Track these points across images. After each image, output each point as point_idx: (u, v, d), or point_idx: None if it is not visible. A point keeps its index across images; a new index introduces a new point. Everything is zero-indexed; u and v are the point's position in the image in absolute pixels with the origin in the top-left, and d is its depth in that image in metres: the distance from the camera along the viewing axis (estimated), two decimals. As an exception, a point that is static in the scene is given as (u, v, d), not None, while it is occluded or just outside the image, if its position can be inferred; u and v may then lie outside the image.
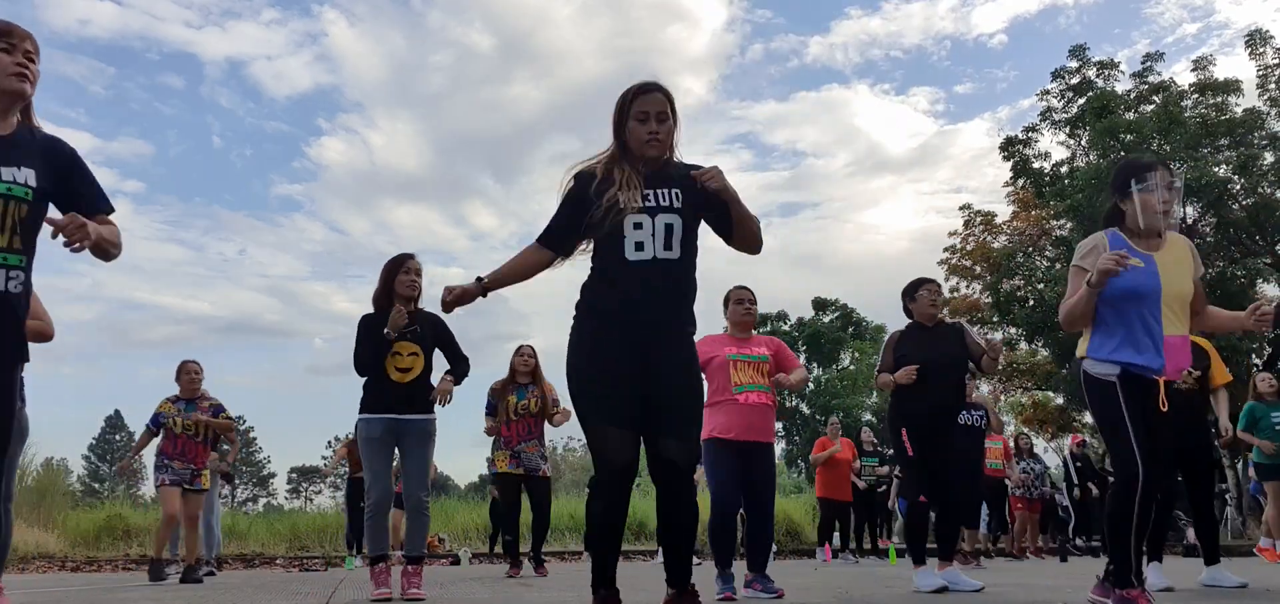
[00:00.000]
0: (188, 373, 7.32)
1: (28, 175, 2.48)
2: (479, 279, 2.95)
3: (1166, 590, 4.57)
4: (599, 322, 2.85)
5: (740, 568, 4.87)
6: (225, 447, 8.72)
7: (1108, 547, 3.44)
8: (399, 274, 4.79)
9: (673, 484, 2.83)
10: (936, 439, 5.00)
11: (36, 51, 2.57)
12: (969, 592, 4.84)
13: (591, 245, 2.94)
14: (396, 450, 4.83)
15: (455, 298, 2.91)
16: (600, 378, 2.79)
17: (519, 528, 7.18)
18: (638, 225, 2.78)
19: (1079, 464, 13.09)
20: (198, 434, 7.23)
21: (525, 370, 7.11)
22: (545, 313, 71.70)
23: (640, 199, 2.79)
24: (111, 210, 2.69)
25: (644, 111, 2.87)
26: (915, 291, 5.19)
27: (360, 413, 4.76)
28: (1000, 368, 5.64)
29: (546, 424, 7.14)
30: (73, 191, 2.62)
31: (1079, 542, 13.26)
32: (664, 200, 2.82)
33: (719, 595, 4.51)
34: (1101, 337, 3.40)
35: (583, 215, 2.85)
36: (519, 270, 2.99)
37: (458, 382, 4.93)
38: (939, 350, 5.04)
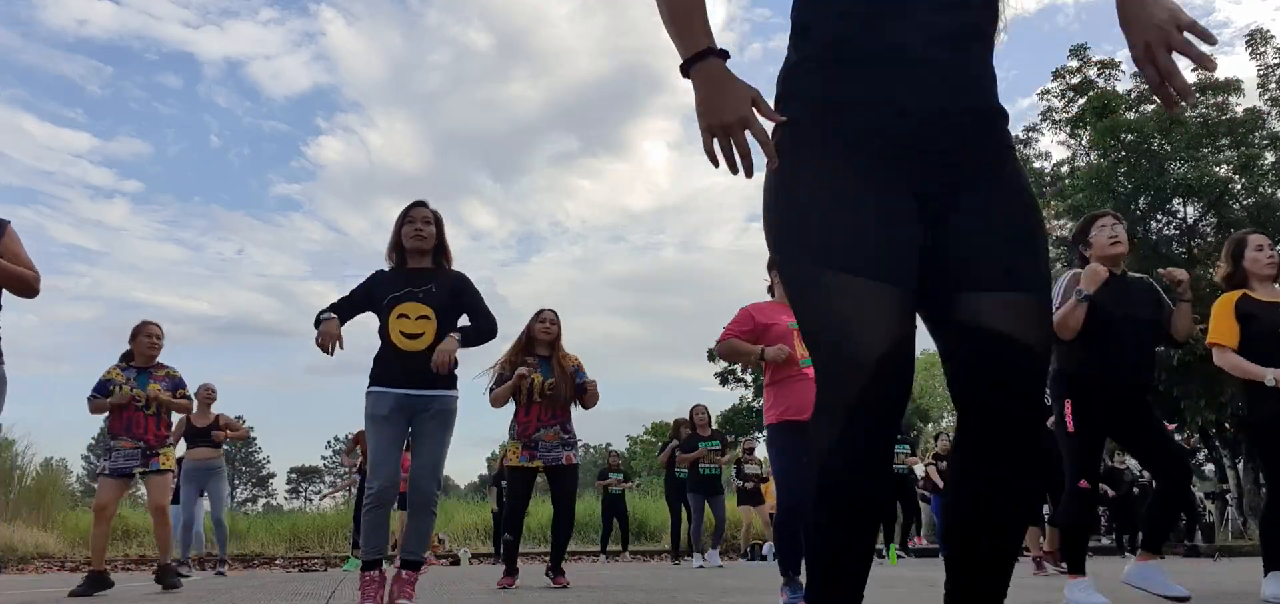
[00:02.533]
0: (147, 335, 6.12)
1: None
2: (717, 54, 1.44)
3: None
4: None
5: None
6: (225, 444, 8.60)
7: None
8: (404, 226, 4.14)
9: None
10: (1126, 409, 4.00)
11: None
12: (1175, 598, 3.93)
13: None
14: (410, 432, 4.07)
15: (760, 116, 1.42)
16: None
17: (521, 527, 6.08)
18: None
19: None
20: (149, 406, 5.97)
21: (546, 339, 5.89)
22: (545, 313, 71.64)
23: None
24: None
25: None
26: (1088, 231, 4.20)
27: (369, 386, 4.03)
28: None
29: (579, 406, 5.92)
30: None
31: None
32: None
33: None
34: None
35: None
36: None
37: (477, 340, 4.15)
38: (1134, 305, 4.04)
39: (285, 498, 57.38)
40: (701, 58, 1.41)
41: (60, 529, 13.52)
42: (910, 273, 1.37)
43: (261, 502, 56.24)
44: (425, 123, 76.72)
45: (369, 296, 4.09)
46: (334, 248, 75.58)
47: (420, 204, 4.20)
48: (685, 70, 1.42)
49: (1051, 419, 4.09)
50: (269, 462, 60.83)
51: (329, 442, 59.99)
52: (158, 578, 6.07)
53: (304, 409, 75.47)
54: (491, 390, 5.79)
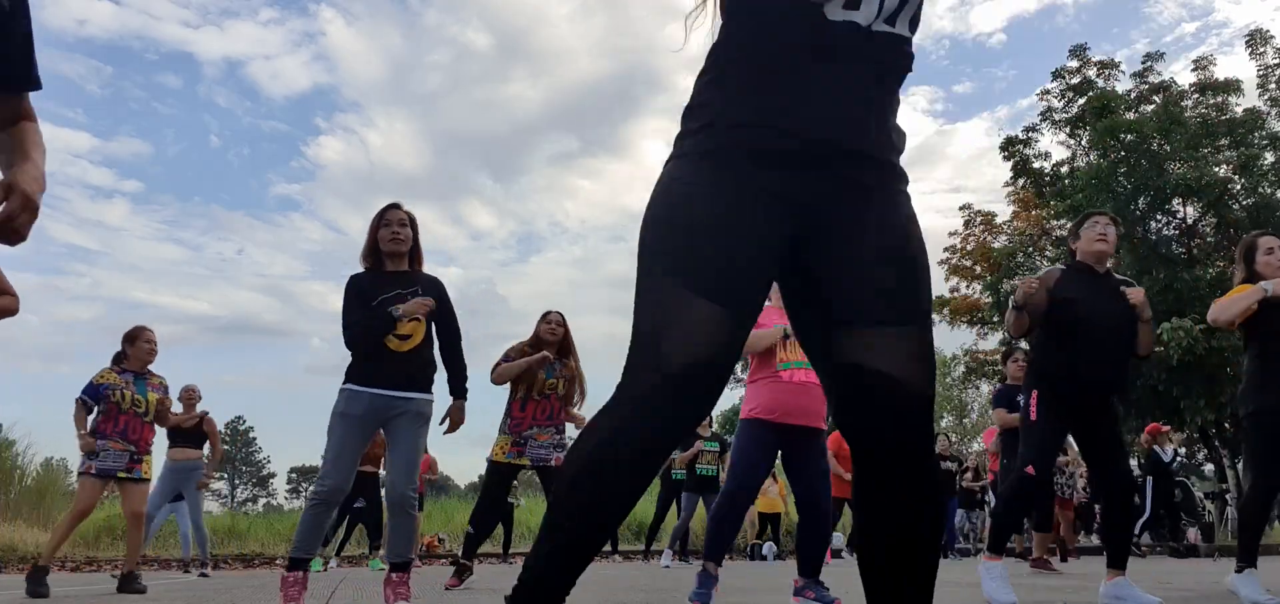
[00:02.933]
0: (145, 341, 6.11)
1: None
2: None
3: None
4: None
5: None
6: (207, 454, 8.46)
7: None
8: (381, 229, 4.09)
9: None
10: (1090, 406, 4.00)
11: None
12: None
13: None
14: (383, 433, 4.05)
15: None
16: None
17: (492, 526, 5.82)
18: None
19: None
20: (148, 413, 6.01)
21: (553, 341, 5.73)
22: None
23: None
24: (38, 85, 1.71)
25: None
26: (1079, 227, 4.28)
27: (344, 383, 3.94)
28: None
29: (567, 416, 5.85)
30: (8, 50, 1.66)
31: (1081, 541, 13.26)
32: None
33: (691, 597, 4.01)
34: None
35: None
36: None
37: (462, 387, 4.28)
38: (1111, 305, 4.02)
39: (285, 498, 57.37)
40: None
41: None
42: (749, 297, 1.39)
43: (262, 502, 56.25)
44: (425, 123, 76.82)
45: (362, 300, 4.02)
46: (334, 248, 75.61)
47: (395, 206, 4.16)
48: None
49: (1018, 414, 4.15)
50: (269, 462, 60.86)
51: (329, 441, 59.96)
52: (121, 585, 5.90)
53: (304, 409, 75.39)
54: (497, 366, 5.63)
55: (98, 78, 70.52)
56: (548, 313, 5.83)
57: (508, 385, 5.69)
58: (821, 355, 1.45)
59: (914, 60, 1.50)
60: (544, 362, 5.58)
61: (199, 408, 8.41)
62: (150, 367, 6.14)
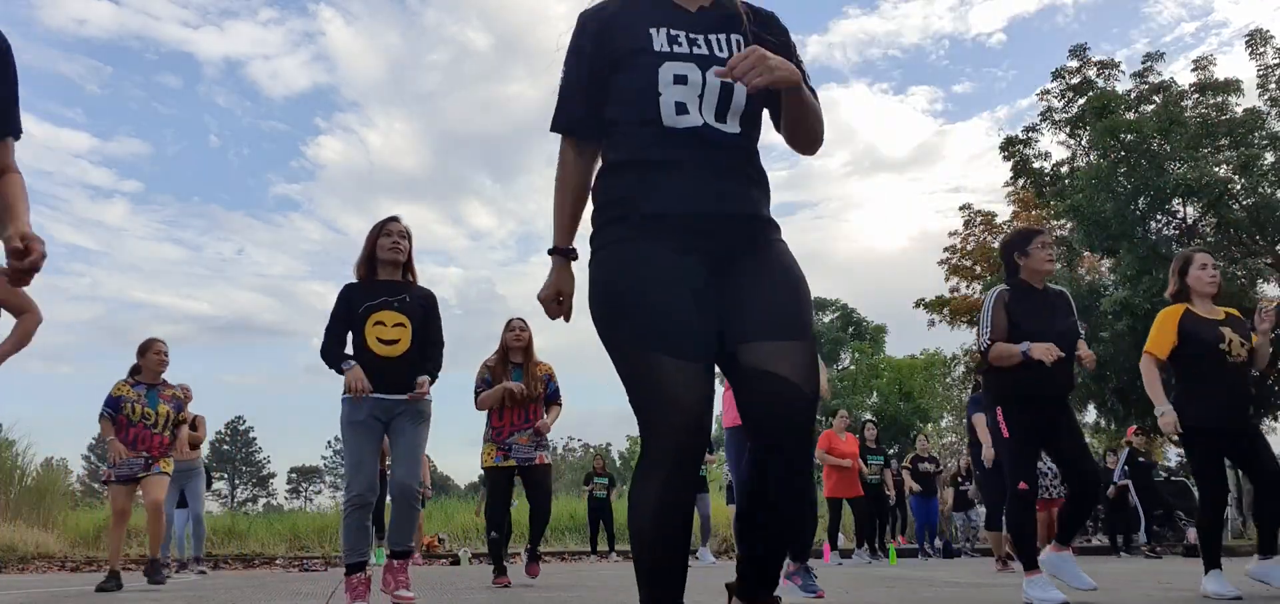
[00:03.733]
0: (155, 353, 6.39)
1: None
2: (562, 254, 2.05)
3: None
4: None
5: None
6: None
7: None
8: (380, 238, 4.28)
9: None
10: (1047, 423, 4.29)
11: None
12: (1085, 589, 4.32)
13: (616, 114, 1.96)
14: (386, 434, 4.25)
15: (566, 304, 2.06)
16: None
17: (506, 525, 6.35)
18: (680, 78, 1.87)
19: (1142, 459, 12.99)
20: (157, 424, 6.31)
21: (517, 346, 6.12)
22: (543, 312, 71.59)
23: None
24: (16, 132, 2.16)
25: None
26: (1027, 244, 4.36)
27: (344, 393, 4.11)
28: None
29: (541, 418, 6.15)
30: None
31: (1081, 541, 13.26)
32: (719, 49, 1.92)
33: (811, 594, 4.45)
34: None
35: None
36: (578, 202, 2.06)
37: (432, 378, 4.37)
38: (1060, 319, 4.32)
39: (285, 498, 57.39)
40: (553, 251, 2.04)
41: (60, 529, 13.52)
42: (700, 332, 1.80)
43: (262, 502, 56.22)
44: (424, 122, 76.83)
45: (349, 311, 4.21)
46: (333, 248, 75.61)
47: (395, 219, 4.37)
48: (550, 252, 2.03)
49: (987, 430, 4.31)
50: (269, 462, 60.81)
51: (329, 442, 59.93)
52: (146, 573, 6.30)
53: (304, 409, 75.54)
54: (479, 395, 6.09)
55: (97, 78, 70.51)
56: (511, 320, 6.24)
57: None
58: (731, 367, 1.85)
59: (754, 150, 1.97)
60: (506, 393, 6.00)
61: (191, 409, 8.46)
62: (164, 376, 6.46)
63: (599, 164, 2.00)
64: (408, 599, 4.19)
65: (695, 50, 1.89)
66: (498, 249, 77.32)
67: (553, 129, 2.02)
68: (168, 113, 73.88)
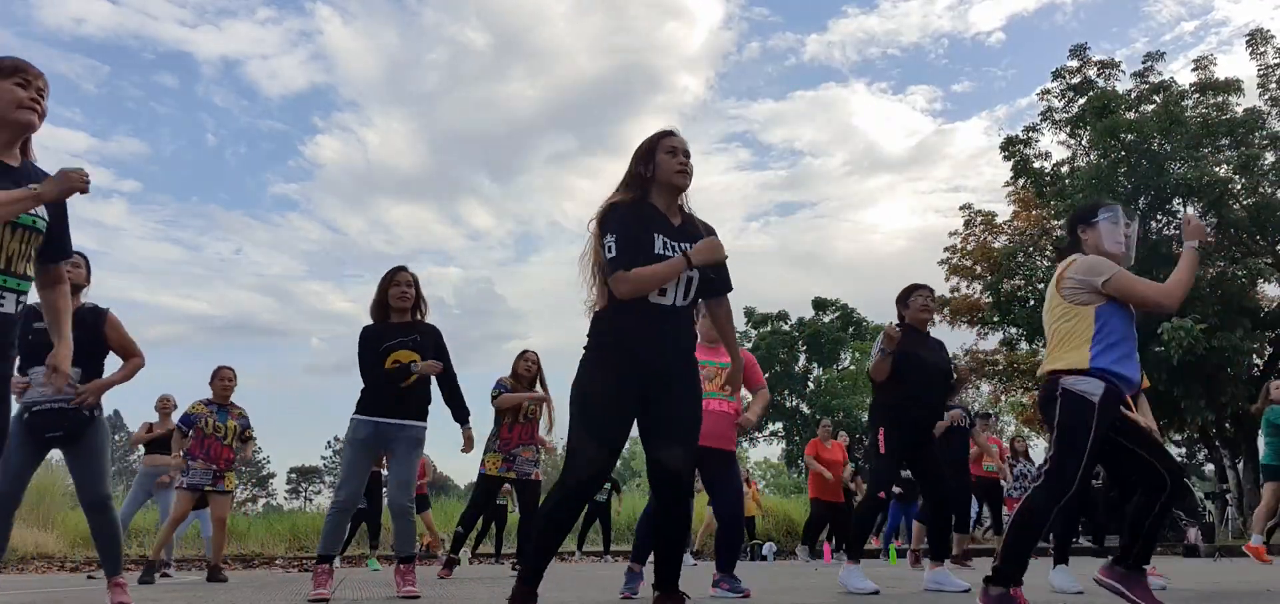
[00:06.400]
0: (221, 378, 7.48)
1: (40, 209, 2.68)
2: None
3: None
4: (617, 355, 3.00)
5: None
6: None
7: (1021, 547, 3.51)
8: (391, 288, 4.96)
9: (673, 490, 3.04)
10: (919, 439, 5.08)
11: (47, 90, 2.77)
12: (957, 592, 4.83)
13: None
14: (384, 456, 4.88)
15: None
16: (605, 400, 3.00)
17: (476, 525, 7.29)
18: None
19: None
20: (226, 437, 7.36)
21: (528, 376, 7.06)
22: (542, 312, 71.56)
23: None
24: (71, 255, 2.89)
25: (672, 147, 3.06)
26: (909, 297, 5.33)
27: (354, 413, 4.86)
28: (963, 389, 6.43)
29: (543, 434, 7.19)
30: (57, 230, 2.83)
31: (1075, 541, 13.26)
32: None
33: (622, 593, 4.80)
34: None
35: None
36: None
37: (450, 396, 5.16)
38: (932, 355, 5.19)
39: (285, 498, 57.32)
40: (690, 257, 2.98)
41: (60, 529, 13.53)
42: (622, 438, 2.96)
43: (261, 502, 56.16)
44: (423, 122, 76.74)
45: (372, 351, 4.84)
46: (332, 247, 75.68)
47: (402, 268, 5.05)
48: (690, 264, 2.97)
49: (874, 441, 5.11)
50: (269, 462, 60.62)
51: (329, 441, 59.92)
52: (210, 576, 7.24)
53: (304, 409, 75.58)
54: (497, 394, 6.89)
55: (94, 77, 70.51)
56: (525, 352, 7.13)
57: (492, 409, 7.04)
58: (646, 449, 3.00)
59: (693, 322, 3.28)
60: (536, 402, 6.99)
61: (174, 417, 8.55)
62: (232, 399, 7.47)
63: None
64: (413, 593, 4.74)
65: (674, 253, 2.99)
66: (496, 249, 77.35)
67: (618, 269, 2.91)
68: (165, 112, 73.91)
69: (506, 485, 7.40)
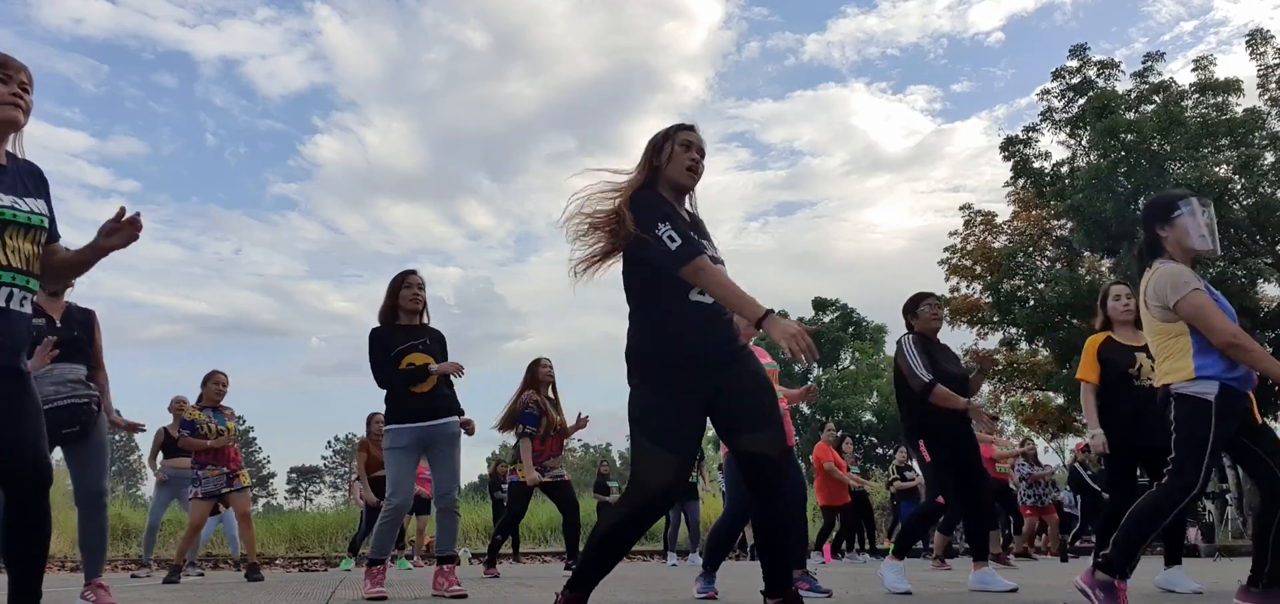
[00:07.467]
0: (215, 382, 7.53)
1: (39, 205, 2.64)
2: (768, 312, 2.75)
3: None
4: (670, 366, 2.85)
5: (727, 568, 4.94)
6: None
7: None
8: (402, 290, 5.03)
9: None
10: (960, 445, 5.08)
11: (31, 83, 2.62)
12: (1002, 591, 4.81)
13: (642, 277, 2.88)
14: (425, 457, 5.03)
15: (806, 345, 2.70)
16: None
17: (511, 533, 7.38)
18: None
19: (1087, 471, 13.07)
20: (236, 440, 7.54)
21: (546, 382, 7.23)
22: (542, 312, 71.55)
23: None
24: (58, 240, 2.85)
25: (687, 142, 2.97)
26: (917, 306, 5.29)
27: (386, 424, 4.92)
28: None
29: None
30: (51, 222, 2.80)
31: (1079, 543, 13.25)
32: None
33: (701, 595, 4.65)
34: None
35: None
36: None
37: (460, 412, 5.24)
38: (949, 364, 5.22)
39: (285, 498, 57.37)
40: (767, 315, 2.70)
41: (60, 529, 13.49)
42: (693, 445, 2.82)
43: (262, 502, 56.17)
44: (422, 122, 76.76)
45: (386, 350, 4.88)
46: (331, 247, 75.73)
47: (413, 272, 5.09)
48: (759, 323, 2.72)
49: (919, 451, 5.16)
50: (269, 462, 60.78)
51: (329, 441, 60.03)
52: (248, 575, 7.32)
53: (304, 409, 75.61)
54: (528, 430, 7.06)
55: (94, 77, 70.57)
56: (541, 359, 7.28)
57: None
58: (731, 446, 2.87)
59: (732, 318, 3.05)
60: (537, 434, 7.14)
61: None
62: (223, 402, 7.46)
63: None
64: (460, 592, 4.76)
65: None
66: (496, 249, 77.39)
67: (694, 255, 2.76)
68: (164, 112, 73.95)
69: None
